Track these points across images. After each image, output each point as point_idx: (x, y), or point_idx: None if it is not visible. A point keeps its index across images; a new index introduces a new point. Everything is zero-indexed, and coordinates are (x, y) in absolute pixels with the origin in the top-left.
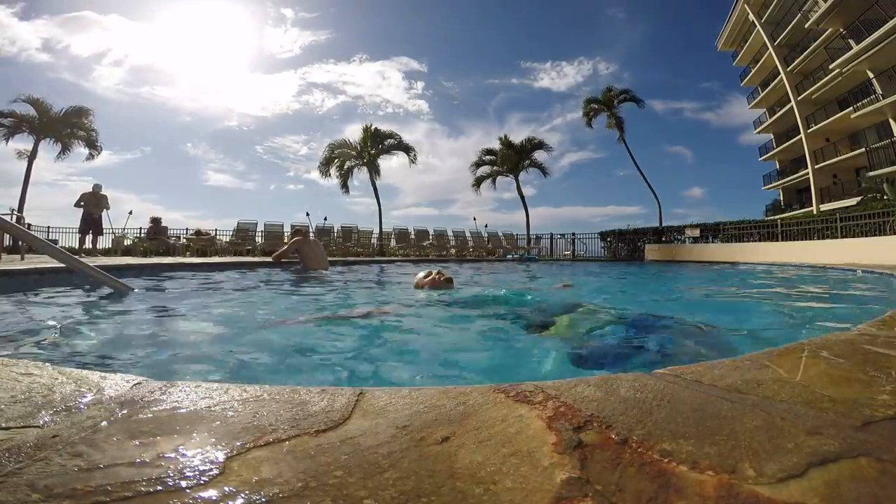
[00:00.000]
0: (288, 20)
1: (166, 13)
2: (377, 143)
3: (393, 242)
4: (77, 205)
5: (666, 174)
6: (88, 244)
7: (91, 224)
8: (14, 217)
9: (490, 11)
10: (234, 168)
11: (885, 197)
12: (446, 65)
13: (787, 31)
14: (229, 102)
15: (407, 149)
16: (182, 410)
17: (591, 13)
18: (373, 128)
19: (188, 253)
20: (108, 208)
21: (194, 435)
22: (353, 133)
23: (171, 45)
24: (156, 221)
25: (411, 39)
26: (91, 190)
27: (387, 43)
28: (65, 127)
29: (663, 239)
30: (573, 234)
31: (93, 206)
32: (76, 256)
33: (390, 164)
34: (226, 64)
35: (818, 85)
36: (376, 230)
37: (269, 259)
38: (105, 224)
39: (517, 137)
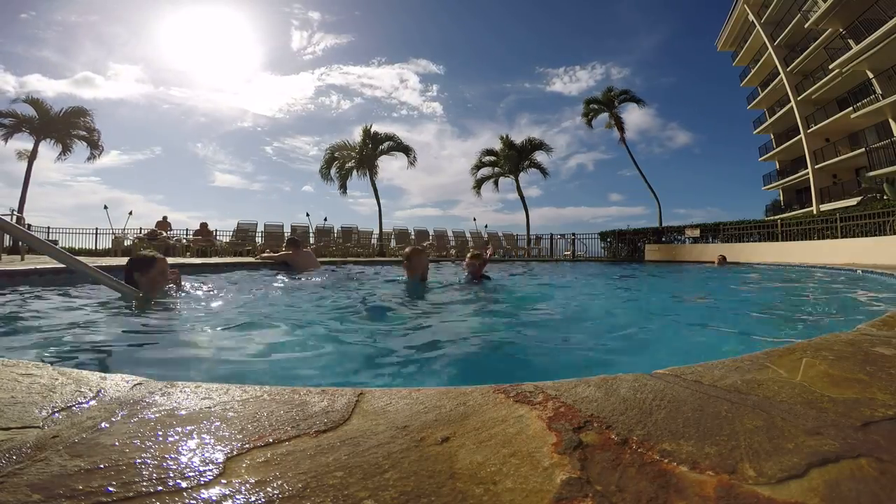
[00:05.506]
0: (314, 23)
1: (192, 12)
2: (376, 145)
3: (393, 243)
4: None
5: (666, 174)
6: None
7: None
8: (14, 217)
9: (510, 16)
10: (242, 169)
11: (885, 197)
12: (464, 68)
13: (786, 31)
14: (245, 103)
15: (406, 150)
16: (182, 411)
17: (608, 18)
18: (372, 129)
19: (188, 254)
20: None
21: (194, 435)
22: (358, 135)
23: (192, 46)
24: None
25: (431, 42)
26: None
27: (406, 46)
28: (65, 127)
29: (663, 239)
30: (573, 234)
31: None
32: (77, 257)
33: (395, 164)
34: (246, 66)
35: (818, 85)
36: (377, 230)
37: (253, 259)
38: None
39: (523, 138)
